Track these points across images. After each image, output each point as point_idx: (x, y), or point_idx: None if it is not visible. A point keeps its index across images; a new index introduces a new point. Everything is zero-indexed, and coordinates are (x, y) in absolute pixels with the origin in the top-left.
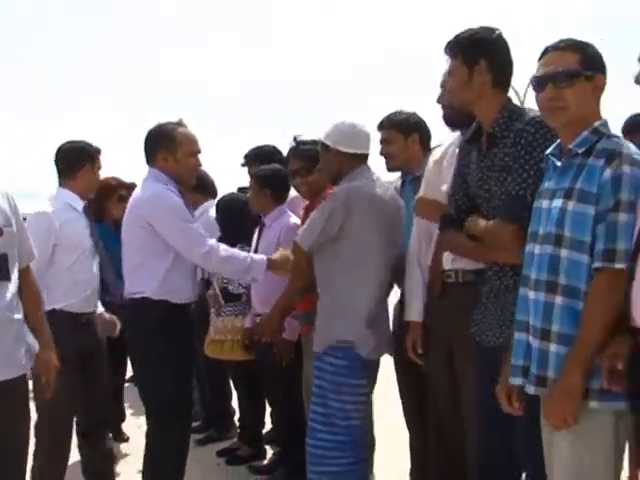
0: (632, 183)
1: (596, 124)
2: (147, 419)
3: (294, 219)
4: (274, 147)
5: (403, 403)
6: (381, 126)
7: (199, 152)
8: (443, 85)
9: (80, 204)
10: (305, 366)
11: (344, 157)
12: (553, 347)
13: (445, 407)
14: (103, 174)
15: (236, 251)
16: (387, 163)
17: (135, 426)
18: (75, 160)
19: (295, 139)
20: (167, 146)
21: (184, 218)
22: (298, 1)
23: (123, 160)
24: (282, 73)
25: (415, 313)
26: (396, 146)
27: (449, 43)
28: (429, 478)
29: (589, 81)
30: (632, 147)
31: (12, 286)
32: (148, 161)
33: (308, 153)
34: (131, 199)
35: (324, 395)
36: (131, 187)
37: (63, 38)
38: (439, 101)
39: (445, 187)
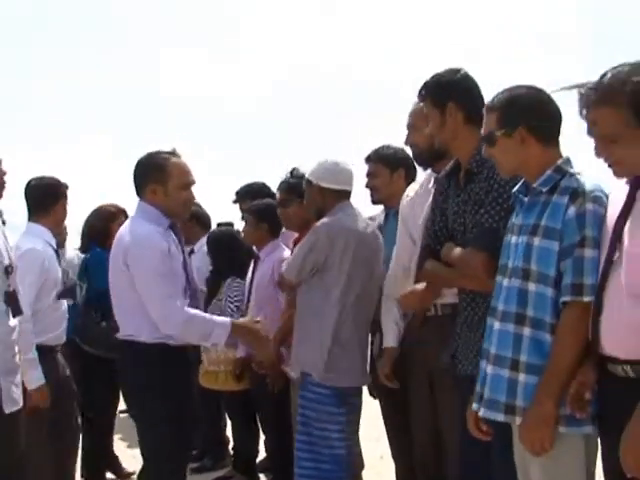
0: (595, 220)
1: (559, 162)
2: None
3: (287, 253)
4: (263, 184)
5: (387, 433)
6: (368, 159)
7: (193, 184)
8: (409, 126)
9: (53, 240)
10: (292, 395)
11: (327, 193)
12: (522, 377)
13: (425, 442)
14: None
15: (199, 315)
16: (372, 195)
17: (130, 457)
18: (47, 196)
19: (292, 171)
20: (157, 178)
21: (158, 271)
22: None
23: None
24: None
25: (391, 340)
26: (381, 180)
27: (420, 90)
28: None
29: (509, 137)
30: (593, 184)
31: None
32: (137, 193)
33: (291, 186)
34: (117, 236)
35: (308, 424)
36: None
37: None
38: (406, 143)
39: (420, 221)
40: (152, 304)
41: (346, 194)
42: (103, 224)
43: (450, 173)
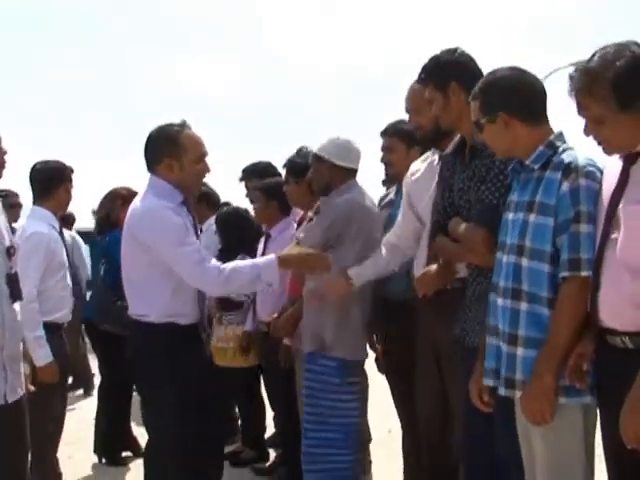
0: (589, 195)
1: (551, 137)
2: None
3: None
4: (269, 163)
5: (395, 404)
6: (385, 133)
7: (206, 155)
8: (409, 110)
9: (57, 223)
10: (297, 370)
11: (337, 170)
12: (520, 351)
13: (430, 412)
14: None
15: (239, 263)
16: (386, 170)
17: (138, 435)
18: (51, 180)
19: (299, 151)
20: (171, 152)
21: (180, 241)
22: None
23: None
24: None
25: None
26: (397, 155)
27: (420, 75)
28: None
29: (492, 123)
30: (585, 158)
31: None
32: (149, 168)
33: (291, 164)
34: (128, 213)
35: (314, 395)
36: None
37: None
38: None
39: (426, 200)
40: (188, 275)
41: (354, 173)
42: (117, 207)
43: (456, 150)
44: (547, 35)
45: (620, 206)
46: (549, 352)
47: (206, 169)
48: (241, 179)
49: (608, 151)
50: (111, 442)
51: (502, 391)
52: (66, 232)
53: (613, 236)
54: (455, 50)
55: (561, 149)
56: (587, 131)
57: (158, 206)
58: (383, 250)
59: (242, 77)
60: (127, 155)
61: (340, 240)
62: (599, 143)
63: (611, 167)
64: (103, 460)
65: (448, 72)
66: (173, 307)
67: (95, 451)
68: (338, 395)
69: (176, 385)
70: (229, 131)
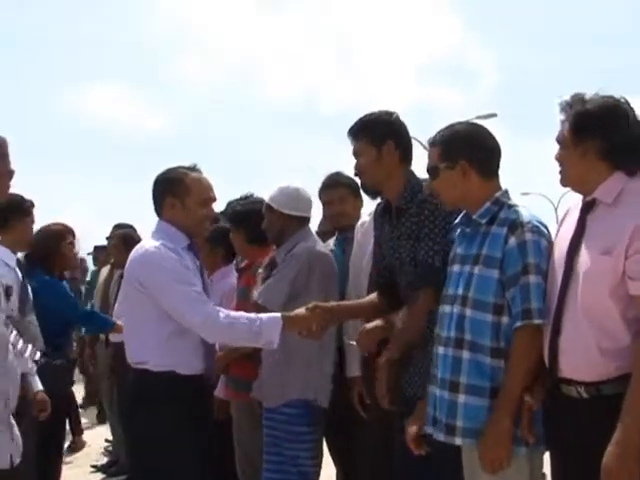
0: (535, 248)
1: (497, 194)
2: None
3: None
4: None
5: (330, 450)
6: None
7: (213, 200)
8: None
9: (13, 260)
10: (236, 431)
11: (287, 219)
12: (462, 398)
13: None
14: None
15: (242, 314)
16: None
17: None
18: (7, 213)
19: (242, 197)
20: (174, 191)
21: (177, 279)
22: None
23: None
24: None
25: (356, 369)
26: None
27: (353, 127)
28: None
29: (451, 169)
30: (530, 215)
31: None
32: (156, 211)
33: (230, 212)
34: (130, 257)
35: (278, 444)
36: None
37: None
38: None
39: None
40: (183, 316)
41: (306, 220)
42: (49, 245)
43: (383, 210)
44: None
45: (579, 256)
46: (505, 399)
47: (211, 214)
48: None
49: (562, 181)
50: None
51: (441, 437)
52: None
53: (572, 285)
54: (392, 113)
55: (507, 205)
56: (556, 154)
57: (156, 245)
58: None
59: None
60: None
61: (306, 289)
62: (560, 171)
63: (569, 218)
64: None
65: (387, 130)
66: (171, 354)
67: None
68: (302, 444)
69: (171, 447)
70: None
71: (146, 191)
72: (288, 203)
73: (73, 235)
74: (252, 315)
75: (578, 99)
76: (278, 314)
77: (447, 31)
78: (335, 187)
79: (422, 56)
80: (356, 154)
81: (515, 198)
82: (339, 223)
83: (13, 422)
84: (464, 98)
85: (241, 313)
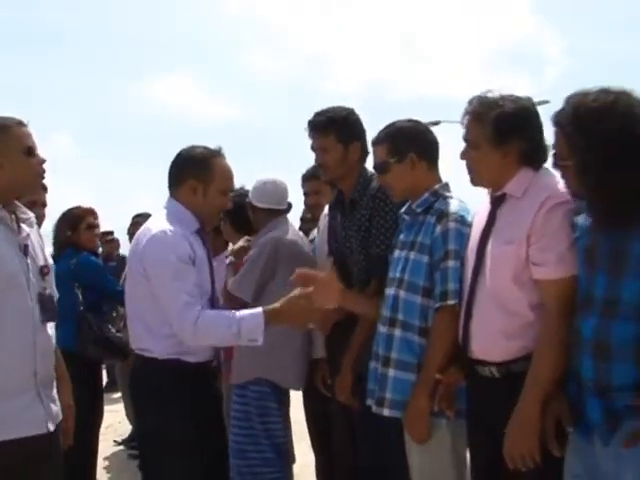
0: (456, 236)
1: (437, 186)
2: None
3: None
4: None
5: (310, 432)
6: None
7: (232, 190)
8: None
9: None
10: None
11: (258, 211)
12: (391, 372)
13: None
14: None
15: (224, 313)
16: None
17: None
18: None
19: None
20: (199, 175)
21: (175, 277)
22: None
23: None
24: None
25: (320, 351)
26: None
27: (319, 122)
28: None
29: (400, 162)
30: (458, 206)
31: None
32: (170, 187)
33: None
34: (135, 236)
35: (249, 419)
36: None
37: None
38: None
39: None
40: (170, 313)
41: (278, 212)
42: (69, 228)
43: (336, 202)
44: None
45: (488, 245)
46: (424, 376)
47: (227, 204)
48: None
49: (474, 180)
50: None
51: (373, 408)
52: None
53: (482, 273)
54: (354, 111)
55: (442, 197)
56: (462, 154)
57: (166, 231)
58: None
59: None
60: None
61: (273, 276)
62: (469, 172)
63: (482, 209)
64: None
65: (354, 130)
66: (176, 342)
67: None
68: (273, 418)
69: (174, 435)
70: None
71: None
72: (259, 196)
73: (94, 216)
74: (232, 315)
75: (479, 99)
76: (259, 309)
77: (514, 17)
78: (312, 179)
79: (489, 42)
80: (321, 149)
81: None
82: (314, 214)
83: (43, 394)
84: (530, 84)
85: (222, 313)
